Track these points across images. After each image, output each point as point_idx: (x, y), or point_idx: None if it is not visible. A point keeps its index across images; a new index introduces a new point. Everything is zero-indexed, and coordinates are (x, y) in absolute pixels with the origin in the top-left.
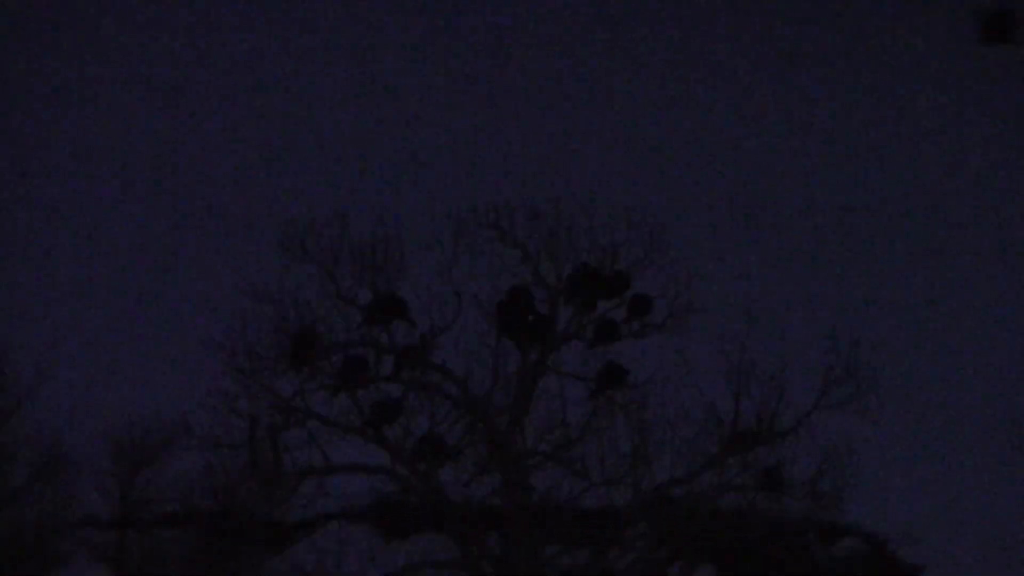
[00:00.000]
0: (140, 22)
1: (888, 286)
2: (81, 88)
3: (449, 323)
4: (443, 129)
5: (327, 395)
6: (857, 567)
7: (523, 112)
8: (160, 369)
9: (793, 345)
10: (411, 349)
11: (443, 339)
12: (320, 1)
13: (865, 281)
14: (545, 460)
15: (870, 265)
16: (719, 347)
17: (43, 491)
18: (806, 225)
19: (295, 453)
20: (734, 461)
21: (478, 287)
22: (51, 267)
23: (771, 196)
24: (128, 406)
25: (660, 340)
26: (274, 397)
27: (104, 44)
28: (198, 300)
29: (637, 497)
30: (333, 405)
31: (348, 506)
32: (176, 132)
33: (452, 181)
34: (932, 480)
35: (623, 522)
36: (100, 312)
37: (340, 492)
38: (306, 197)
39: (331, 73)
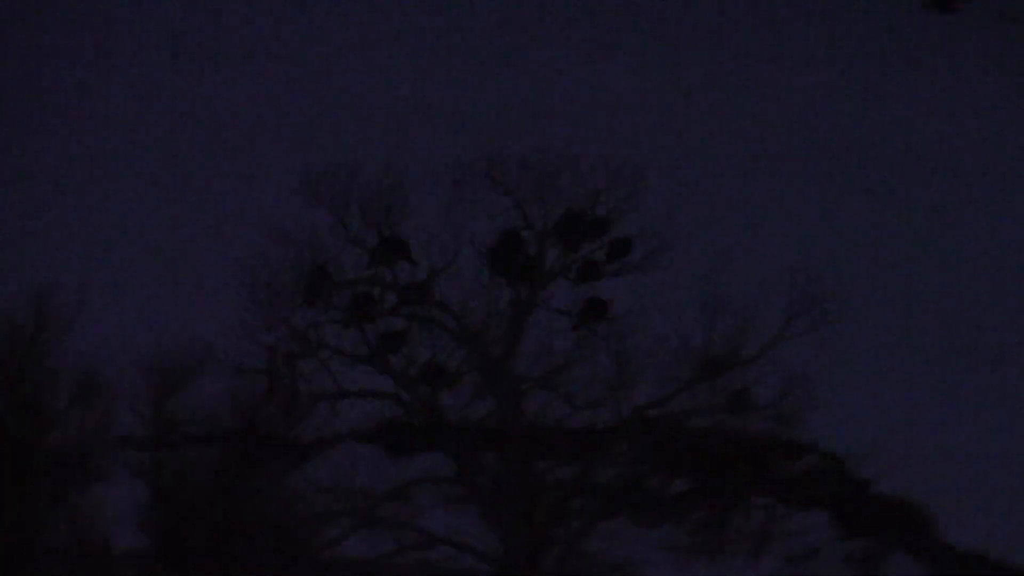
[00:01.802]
0: None
1: (849, 225)
2: (117, 46)
3: (448, 263)
4: (442, 87)
5: (338, 327)
6: (815, 481)
7: (518, 70)
8: (188, 303)
9: (760, 281)
10: (414, 286)
11: (442, 277)
12: None
13: (828, 221)
14: (535, 386)
15: (833, 206)
16: (691, 283)
17: (83, 414)
18: (772, 171)
19: (309, 379)
20: (705, 386)
21: (474, 231)
22: (90, 210)
23: (741, 147)
24: (160, 336)
25: (638, 278)
26: (290, 329)
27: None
28: (224, 241)
29: (618, 418)
30: (343, 336)
31: (357, 427)
32: (207, 91)
33: (451, 135)
34: (888, 401)
35: (606, 441)
36: (134, 251)
37: (350, 415)
38: (320, 150)
39: (344, 38)
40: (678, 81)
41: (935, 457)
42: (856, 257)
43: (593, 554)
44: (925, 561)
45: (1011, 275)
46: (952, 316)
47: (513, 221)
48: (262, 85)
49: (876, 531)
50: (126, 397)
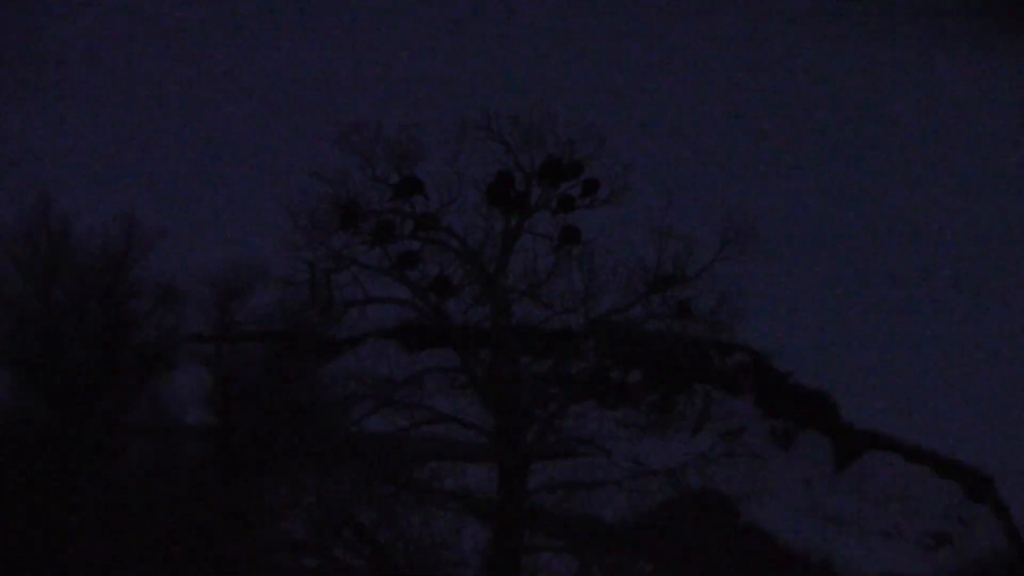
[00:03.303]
0: None
1: (778, 173)
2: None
3: (453, 198)
4: (450, 60)
5: (365, 248)
6: (743, 374)
7: (513, 47)
8: (247, 229)
9: (701, 215)
10: (426, 216)
11: (449, 209)
12: None
13: (759, 169)
14: (522, 296)
15: (768, 157)
16: (646, 216)
17: (162, 317)
18: (716, 127)
19: (343, 290)
20: (656, 298)
21: (474, 173)
22: (173, 155)
23: (691, 108)
24: (224, 255)
25: (604, 210)
26: (328, 249)
27: None
28: (277, 181)
29: (587, 322)
30: (370, 255)
31: (381, 328)
32: (266, 64)
33: (457, 98)
34: (801, 310)
35: (577, 340)
36: (207, 189)
37: (374, 318)
38: (353, 110)
39: (373, 22)
40: (645, 55)
41: (839, 355)
42: (783, 197)
43: (566, 430)
44: (830, 437)
45: (915, 212)
46: (859, 246)
47: (505, 165)
48: (312, 60)
49: (791, 413)
50: (196, 303)
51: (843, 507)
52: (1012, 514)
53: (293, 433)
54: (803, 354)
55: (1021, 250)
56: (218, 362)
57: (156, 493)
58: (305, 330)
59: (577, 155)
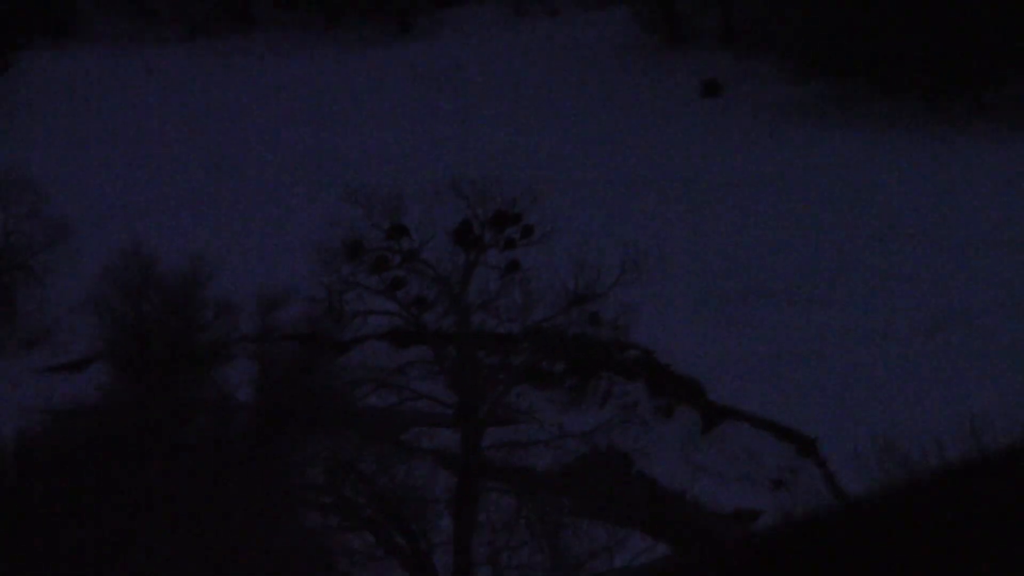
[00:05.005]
0: None
1: (663, 214)
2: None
3: (430, 238)
4: (426, 141)
5: (367, 275)
6: (637, 365)
7: (474, 132)
8: (283, 261)
9: (607, 250)
10: (410, 252)
11: (426, 247)
12: None
13: (651, 211)
14: (478, 308)
15: (652, 204)
16: (568, 251)
17: (221, 323)
18: (617, 188)
19: (350, 305)
20: (575, 310)
21: (444, 222)
22: (223, 209)
23: (602, 174)
24: (265, 279)
25: (537, 248)
26: (340, 275)
27: None
28: (305, 226)
29: (524, 328)
30: (370, 280)
31: (377, 332)
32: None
33: (432, 166)
34: (681, 319)
35: (517, 341)
36: (255, 231)
37: (373, 325)
38: (355, 179)
39: (368, 107)
40: (572, 132)
41: (706, 351)
42: (663, 235)
43: (510, 405)
44: (698, 410)
45: (785, 232)
46: (734, 269)
47: (466, 215)
48: (328, 142)
49: (671, 393)
50: (245, 313)
51: (708, 460)
52: (829, 466)
53: (315, 408)
54: (679, 351)
55: (831, 255)
56: (261, 356)
57: (215, 450)
58: (323, 334)
59: (518, 208)
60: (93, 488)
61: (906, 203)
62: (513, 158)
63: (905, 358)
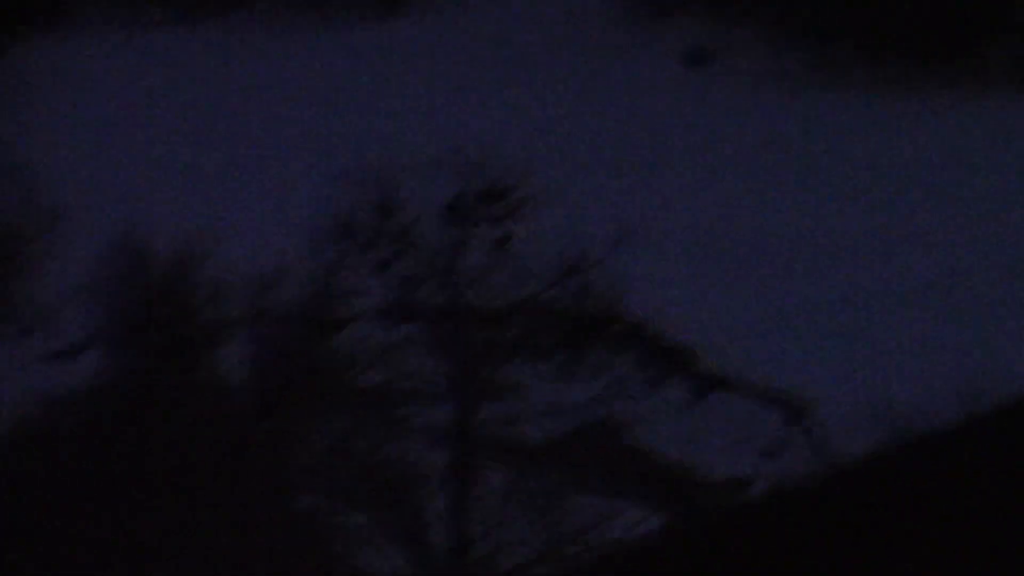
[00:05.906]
0: None
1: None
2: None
3: (421, 214)
4: (420, 116)
5: (360, 252)
6: (629, 334)
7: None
8: (276, 241)
9: (599, 222)
10: (403, 228)
11: (419, 222)
12: None
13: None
14: (470, 283)
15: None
16: (560, 225)
17: (212, 305)
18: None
19: (343, 282)
20: (567, 281)
21: (436, 197)
22: (226, 201)
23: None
24: (259, 258)
25: (530, 221)
26: (332, 254)
27: None
28: (304, 207)
29: (516, 301)
30: (364, 257)
31: (370, 309)
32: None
33: (421, 144)
34: (682, 288)
35: (510, 314)
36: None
37: (366, 302)
38: (347, 150)
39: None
40: (554, 107)
41: (702, 324)
42: (658, 206)
43: (502, 379)
44: (690, 379)
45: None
46: (728, 236)
47: (458, 190)
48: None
49: (663, 362)
50: (240, 293)
51: (700, 429)
52: (824, 432)
53: (309, 388)
54: (673, 319)
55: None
56: (255, 337)
57: (211, 433)
58: (317, 313)
59: (509, 182)
60: (88, 473)
61: (906, 166)
62: (505, 132)
63: (906, 321)
